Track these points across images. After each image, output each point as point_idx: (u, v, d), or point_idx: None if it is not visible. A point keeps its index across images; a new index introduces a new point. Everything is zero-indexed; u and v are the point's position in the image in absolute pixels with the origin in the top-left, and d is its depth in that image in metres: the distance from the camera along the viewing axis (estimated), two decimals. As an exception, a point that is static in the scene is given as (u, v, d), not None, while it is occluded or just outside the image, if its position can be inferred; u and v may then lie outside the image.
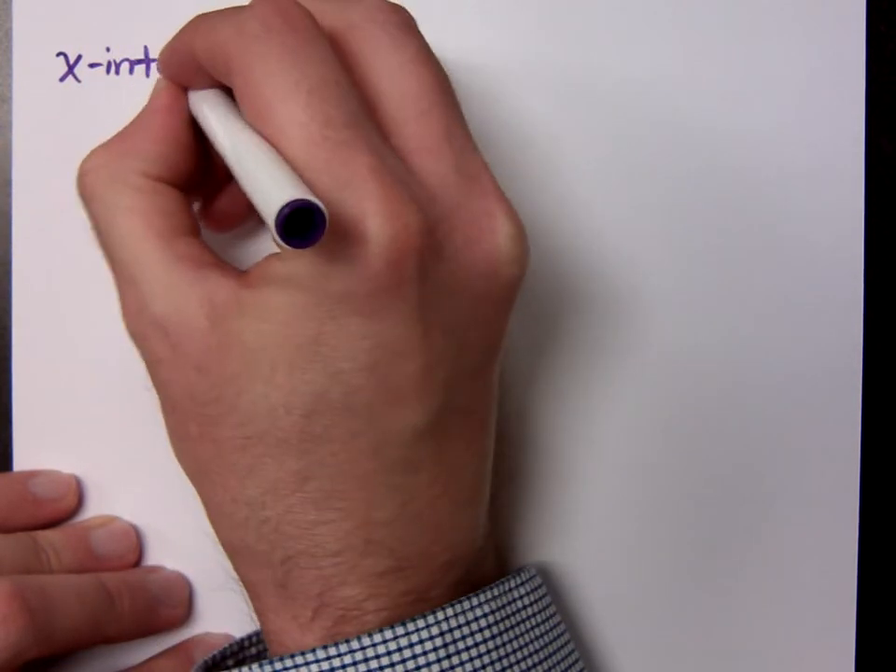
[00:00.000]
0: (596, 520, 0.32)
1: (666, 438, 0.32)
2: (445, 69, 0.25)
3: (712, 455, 0.32)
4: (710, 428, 0.32)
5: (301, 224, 0.20)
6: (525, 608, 0.27)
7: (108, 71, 0.33)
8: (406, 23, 0.25)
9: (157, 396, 0.26)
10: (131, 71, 0.33)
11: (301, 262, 0.22)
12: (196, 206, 0.30)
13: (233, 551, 0.26)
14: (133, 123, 0.27)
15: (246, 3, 0.24)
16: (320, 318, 0.23)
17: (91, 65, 0.33)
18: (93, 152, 0.26)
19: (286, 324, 0.23)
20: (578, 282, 0.32)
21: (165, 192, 0.26)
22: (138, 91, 0.32)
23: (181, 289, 0.24)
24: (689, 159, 0.32)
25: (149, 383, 0.26)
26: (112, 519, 0.33)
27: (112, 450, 0.33)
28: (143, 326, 0.25)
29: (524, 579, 0.28)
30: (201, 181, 0.28)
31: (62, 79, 0.33)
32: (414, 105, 0.24)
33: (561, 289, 0.32)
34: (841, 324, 0.32)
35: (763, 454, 0.32)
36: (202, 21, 0.25)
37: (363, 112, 0.23)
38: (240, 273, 0.24)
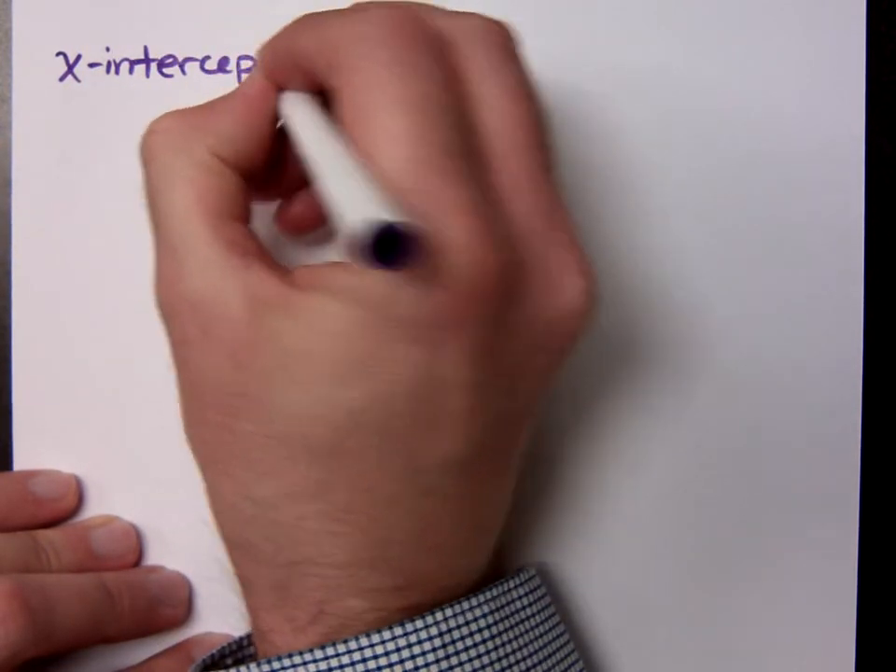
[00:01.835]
0: (596, 520, 0.32)
1: (665, 437, 0.32)
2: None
3: (712, 455, 0.32)
4: (710, 429, 0.32)
5: (385, 243, 0.19)
6: (524, 608, 0.27)
7: (108, 71, 0.33)
8: (510, 47, 0.24)
9: (176, 374, 0.25)
10: (130, 71, 0.33)
11: (370, 279, 0.21)
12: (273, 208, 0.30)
13: (234, 545, 0.26)
14: (216, 100, 0.26)
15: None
16: (377, 339, 0.22)
17: (91, 65, 0.33)
18: (168, 115, 0.26)
19: (338, 336, 0.22)
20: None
21: (227, 175, 0.25)
22: (138, 90, 0.33)
23: (223, 273, 0.23)
24: (688, 159, 0.32)
25: (170, 361, 0.25)
26: (112, 519, 0.33)
27: (112, 450, 0.33)
28: (176, 301, 0.24)
29: (523, 579, 0.27)
30: (269, 181, 0.28)
31: (61, 79, 0.33)
32: (511, 140, 0.23)
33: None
34: (841, 324, 0.32)
35: (762, 454, 0.32)
36: (310, 18, 0.25)
37: (461, 138, 0.23)
38: (285, 271, 0.24)
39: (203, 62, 0.33)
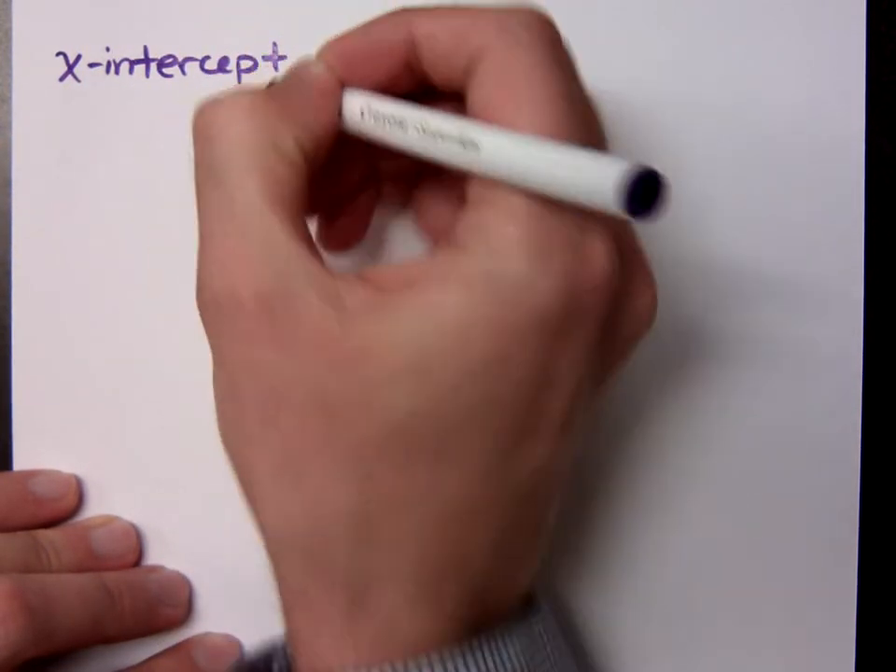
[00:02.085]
0: (592, 534, 0.33)
1: (664, 437, 0.32)
2: None
3: (712, 455, 0.32)
4: (710, 430, 0.32)
5: (641, 191, 0.19)
6: (545, 644, 0.25)
7: (108, 71, 0.33)
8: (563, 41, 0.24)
9: (230, 377, 0.23)
10: (130, 71, 0.33)
11: (507, 264, 0.20)
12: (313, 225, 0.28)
13: (293, 552, 0.23)
14: (288, 88, 0.24)
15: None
16: (510, 332, 0.21)
17: (91, 65, 0.33)
18: (240, 94, 0.23)
19: (468, 329, 0.21)
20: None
21: (304, 173, 0.23)
22: (138, 90, 0.33)
23: (308, 273, 0.22)
24: (688, 159, 0.32)
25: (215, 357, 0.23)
26: (112, 519, 0.33)
27: (112, 450, 0.33)
28: (237, 292, 0.22)
29: (543, 615, 0.26)
30: (321, 189, 0.26)
31: (61, 79, 0.33)
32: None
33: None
34: (841, 324, 0.32)
35: (762, 454, 0.32)
36: (437, 10, 0.23)
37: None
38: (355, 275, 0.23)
39: (202, 62, 0.33)
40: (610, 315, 0.22)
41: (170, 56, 0.33)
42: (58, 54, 0.33)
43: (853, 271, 0.32)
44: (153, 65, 0.33)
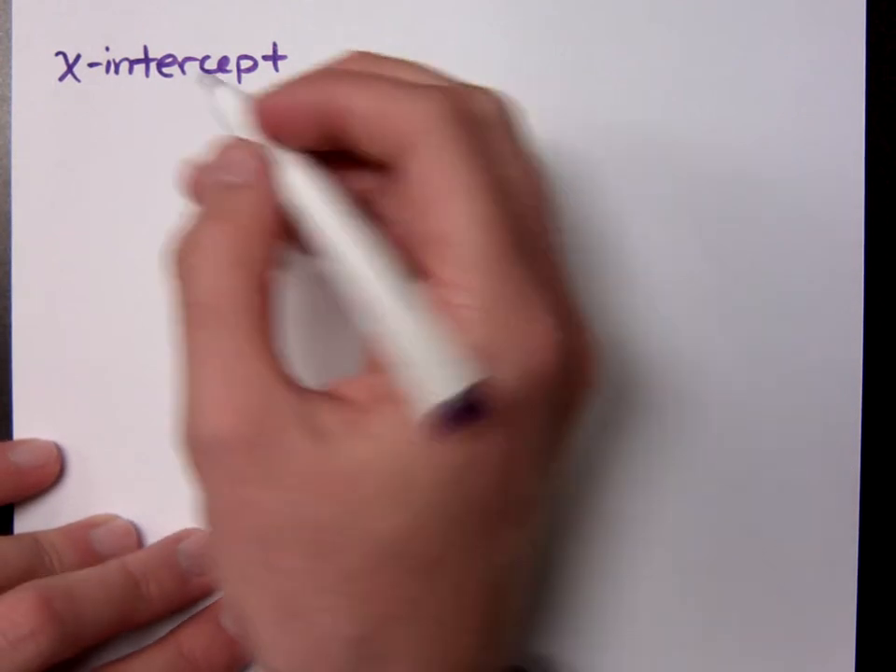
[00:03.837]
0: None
1: (664, 438, 0.33)
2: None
3: (712, 455, 0.32)
4: (710, 430, 0.32)
5: (459, 411, 0.20)
6: None
7: (108, 70, 0.33)
8: (520, 124, 0.24)
9: (221, 522, 0.23)
10: (130, 70, 0.33)
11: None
12: None
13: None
14: (233, 194, 0.24)
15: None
16: (477, 436, 0.21)
17: (91, 65, 0.33)
18: (217, 231, 0.23)
19: (439, 447, 0.21)
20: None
21: (272, 284, 0.23)
22: (138, 90, 0.33)
23: (288, 403, 0.22)
24: (688, 159, 0.32)
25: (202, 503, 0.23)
26: (112, 517, 0.33)
27: (112, 449, 0.33)
28: (225, 433, 0.22)
29: None
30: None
31: (61, 79, 0.33)
32: (539, 222, 0.24)
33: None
34: (841, 324, 0.32)
35: (762, 454, 0.32)
36: (362, 80, 0.23)
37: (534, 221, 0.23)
38: (331, 396, 0.23)
39: (202, 61, 0.33)
40: (557, 396, 0.23)
41: (170, 56, 0.33)
42: (58, 54, 0.33)
43: (853, 271, 0.32)
44: (153, 65, 0.33)
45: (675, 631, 0.33)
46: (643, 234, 0.32)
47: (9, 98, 0.33)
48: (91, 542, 0.32)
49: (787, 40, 0.32)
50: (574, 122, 0.32)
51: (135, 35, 0.33)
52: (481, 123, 0.23)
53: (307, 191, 0.23)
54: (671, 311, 0.32)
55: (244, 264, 0.23)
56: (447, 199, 0.22)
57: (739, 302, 0.32)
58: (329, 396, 0.23)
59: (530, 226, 0.23)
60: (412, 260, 0.23)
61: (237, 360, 0.22)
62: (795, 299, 0.32)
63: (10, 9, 0.33)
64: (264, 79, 0.32)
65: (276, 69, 0.32)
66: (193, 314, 0.23)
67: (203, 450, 0.22)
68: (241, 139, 0.24)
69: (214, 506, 0.23)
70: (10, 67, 0.33)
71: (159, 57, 0.33)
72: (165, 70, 0.33)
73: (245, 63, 0.32)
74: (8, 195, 0.33)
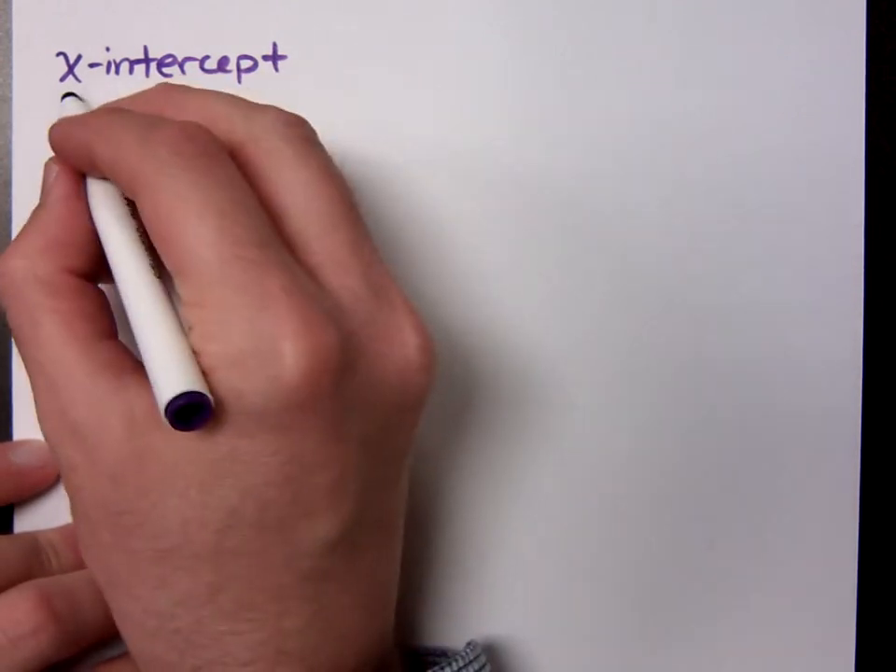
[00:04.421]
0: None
1: (663, 438, 0.32)
2: (350, 182, 0.26)
3: (711, 455, 0.32)
4: (710, 430, 0.32)
5: (184, 411, 0.22)
6: None
7: (108, 71, 0.33)
8: (308, 137, 0.26)
9: (70, 502, 0.26)
10: (131, 71, 0.33)
11: (215, 377, 0.22)
12: None
13: (144, 661, 0.26)
14: (40, 216, 0.27)
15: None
16: (233, 435, 0.23)
17: (91, 65, 0.33)
18: (11, 250, 0.26)
19: (199, 440, 0.23)
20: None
21: (88, 292, 0.26)
22: (138, 90, 0.33)
23: (101, 398, 0.24)
24: (688, 159, 0.32)
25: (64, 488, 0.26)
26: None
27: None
28: (60, 431, 0.24)
29: (468, 658, 0.28)
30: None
31: (62, 79, 0.33)
32: (320, 221, 0.25)
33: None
34: (841, 324, 0.32)
35: (762, 454, 0.32)
36: (104, 126, 0.25)
37: (272, 231, 0.24)
38: None
39: (202, 61, 0.33)
40: (345, 387, 0.23)
41: (170, 56, 0.33)
42: (58, 54, 0.33)
43: (853, 271, 0.32)
44: (153, 65, 0.33)
45: (673, 631, 0.33)
46: (641, 234, 0.32)
47: (10, 98, 0.33)
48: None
49: (787, 40, 0.32)
50: (574, 122, 0.32)
51: (136, 35, 0.33)
52: (225, 145, 0.24)
53: (99, 216, 0.26)
54: (671, 310, 0.32)
55: (35, 276, 0.25)
56: (171, 231, 0.23)
57: (738, 303, 0.32)
58: (144, 383, 0.24)
59: (304, 224, 0.24)
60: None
61: (55, 367, 0.24)
62: (795, 299, 0.32)
63: (10, 9, 0.33)
64: (264, 79, 0.32)
65: (276, 69, 0.32)
66: (15, 332, 0.25)
67: (50, 446, 0.25)
68: (53, 161, 0.27)
69: (66, 491, 0.25)
70: (11, 67, 0.33)
71: (159, 57, 0.33)
72: (165, 70, 0.33)
73: (245, 63, 0.33)
74: (9, 195, 0.33)
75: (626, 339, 0.32)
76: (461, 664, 0.28)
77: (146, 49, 0.33)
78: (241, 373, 0.22)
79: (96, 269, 0.26)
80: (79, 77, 0.33)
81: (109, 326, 0.26)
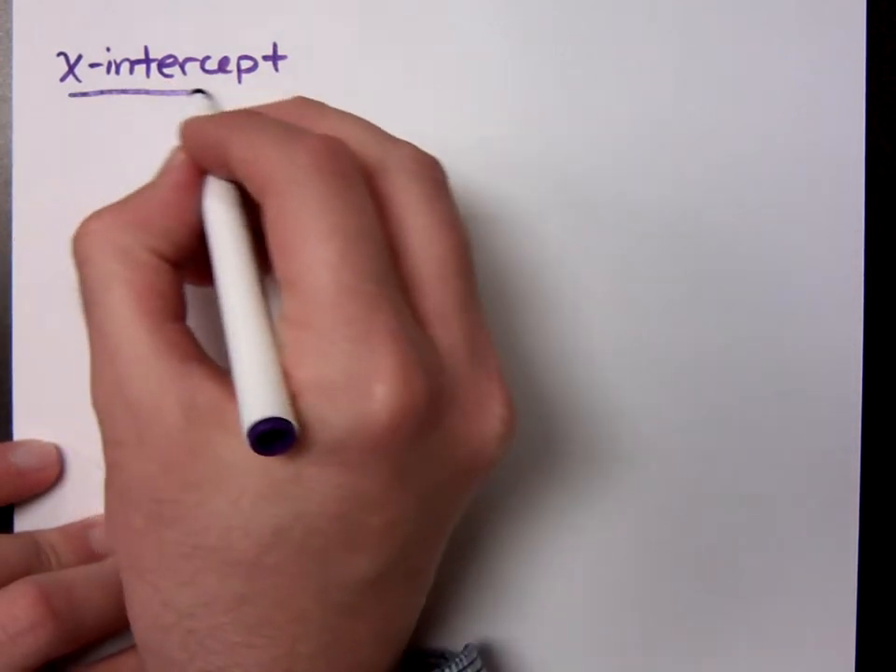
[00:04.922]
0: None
1: (663, 438, 0.32)
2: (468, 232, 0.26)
3: (711, 455, 0.32)
4: (709, 430, 0.32)
5: (267, 436, 0.21)
6: None
7: (109, 71, 0.33)
8: (439, 180, 0.25)
9: (106, 475, 0.25)
10: (131, 71, 0.33)
11: (303, 401, 0.22)
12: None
13: (148, 651, 0.26)
14: (144, 192, 0.26)
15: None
16: (305, 461, 0.22)
17: (92, 65, 0.33)
18: (99, 214, 0.25)
19: (261, 459, 0.22)
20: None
21: (165, 272, 0.25)
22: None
23: (163, 379, 0.23)
24: (688, 159, 0.32)
25: (101, 460, 0.25)
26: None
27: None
28: (112, 402, 0.24)
29: (464, 664, 0.28)
30: (204, 265, 0.27)
31: (62, 79, 0.33)
32: (437, 269, 0.24)
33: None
34: (841, 324, 0.32)
35: (762, 455, 0.32)
36: (244, 126, 0.24)
37: (390, 268, 0.23)
38: (223, 374, 0.24)
39: (203, 62, 0.33)
40: (424, 440, 0.23)
41: (170, 56, 0.33)
42: (59, 54, 0.33)
43: (853, 271, 0.32)
44: (153, 65, 0.33)
45: (671, 632, 0.33)
46: (641, 234, 0.32)
47: (10, 98, 0.33)
48: (89, 542, 0.32)
49: (787, 40, 0.32)
50: (574, 122, 0.32)
51: (136, 35, 0.33)
52: (361, 171, 0.24)
53: (212, 216, 0.25)
54: (671, 310, 0.32)
55: (119, 247, 0.25)
56: (294, 243, 0.22)
57: (738, 303, 0.32)
58: (216, 373, 0.24)
59: (419, 267, 0.24)
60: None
61: (122, 339, 0.24)
62: (795, 299, 0.32)
63: (11, 9, 0.33)
64: (264, 79, 0.32)
65: (276, 69, 0.32)
66: (85, 295, 0.25)
67: (98, 416, 0.25)
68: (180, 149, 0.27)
69: (105, 463, 0.25)
70: (11, 67, 0.33)
71: (159, 57, 0.33)
72: (166, 70, 0.33)
73: (246, 64, 0.33)
74: (9, 195, 0.33)
75: (626, 339, 0.32)
76: (459, 667, 0.28)
77: (146, 49, 0.33)
78: (329, 404, 0.22)
79: (179, 262, 0.26)
80: (79, 77, 0.33)
81: (180, 308, 0.25)
